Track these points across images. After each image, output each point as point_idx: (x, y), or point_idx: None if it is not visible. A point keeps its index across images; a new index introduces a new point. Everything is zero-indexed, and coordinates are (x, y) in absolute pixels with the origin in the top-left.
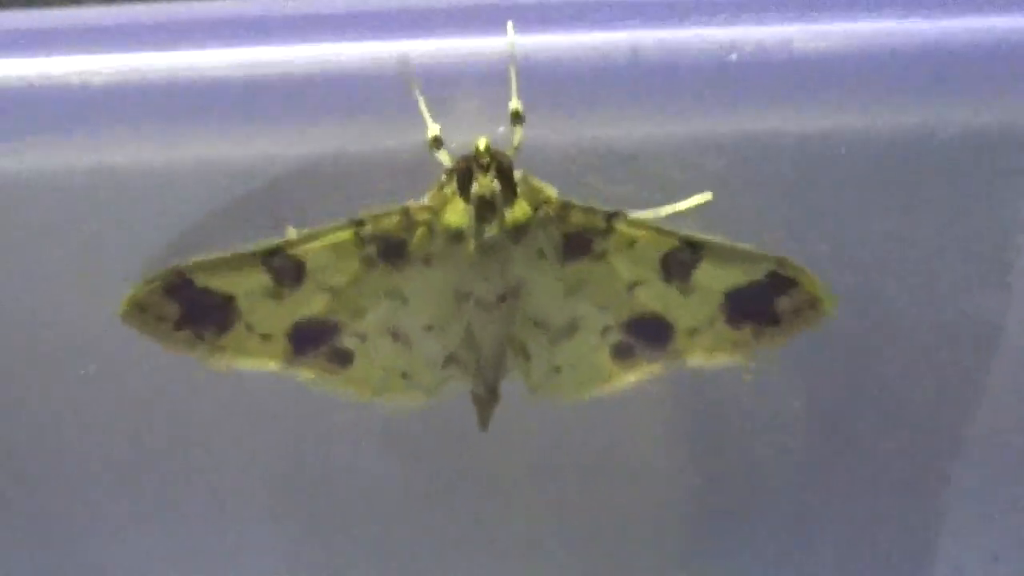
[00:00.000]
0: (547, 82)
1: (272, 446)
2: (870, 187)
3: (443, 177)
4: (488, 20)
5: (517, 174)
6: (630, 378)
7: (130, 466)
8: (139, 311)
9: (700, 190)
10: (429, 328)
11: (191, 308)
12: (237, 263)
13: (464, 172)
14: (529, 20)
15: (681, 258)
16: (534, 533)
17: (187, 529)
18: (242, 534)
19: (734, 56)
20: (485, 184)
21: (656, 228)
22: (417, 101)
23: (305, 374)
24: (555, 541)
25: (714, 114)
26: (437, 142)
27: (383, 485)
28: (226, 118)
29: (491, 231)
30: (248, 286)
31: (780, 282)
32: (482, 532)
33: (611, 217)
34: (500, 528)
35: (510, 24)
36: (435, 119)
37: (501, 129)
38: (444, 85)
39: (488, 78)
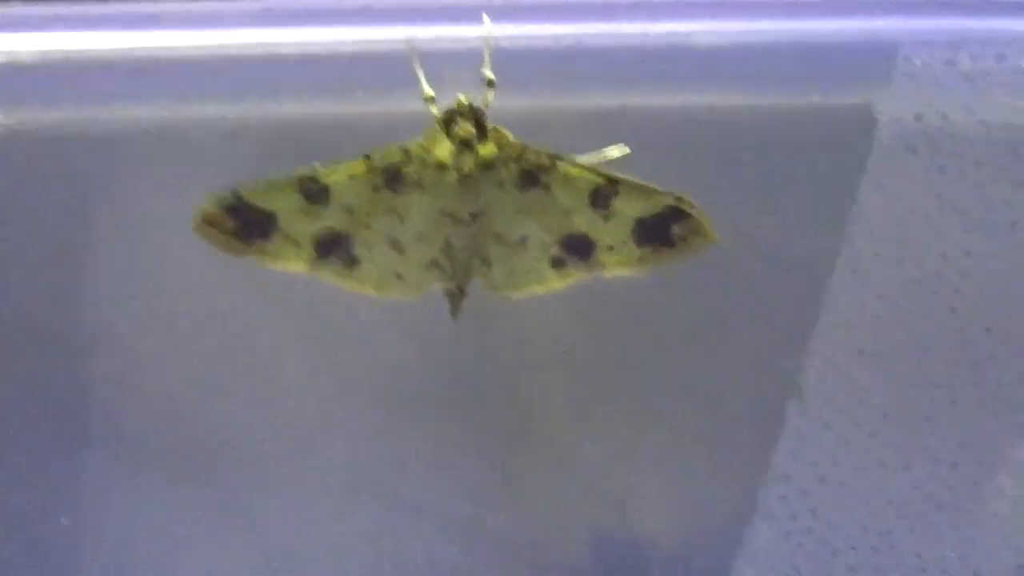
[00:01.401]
0: (511, 61)
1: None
2: (745, 151)
3: (435, 124)
4: (471, 14)
5: (489, 124)
6: (562, 282)
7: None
8: (207, 224)
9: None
10: (418, 239)
11: (244, 221)
12: (279, 187)
13: (450, 119)
14: (500, 14)
15: (605, 192)
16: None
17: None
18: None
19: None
20: (465, 128)
21: (588, 168)
22: (417, 73)
23: (324, 274)
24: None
25: (634, 90)
26: (431, 99)
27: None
28: (280, 89)
29: (467, 164)
30: (286, 205)
31: (676, 214)
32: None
33: (554, 158)
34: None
35: (486, 16)
36: (430, 85)
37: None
38: (439, 61)
39: (469, 56)
